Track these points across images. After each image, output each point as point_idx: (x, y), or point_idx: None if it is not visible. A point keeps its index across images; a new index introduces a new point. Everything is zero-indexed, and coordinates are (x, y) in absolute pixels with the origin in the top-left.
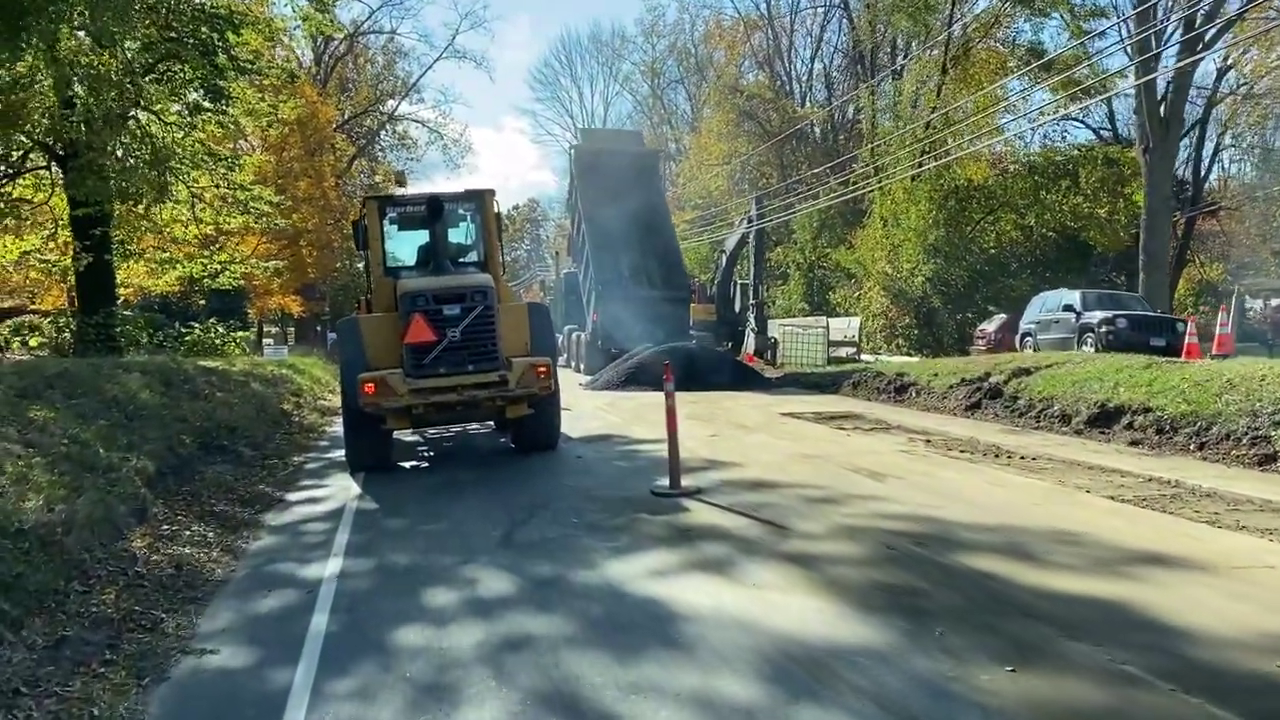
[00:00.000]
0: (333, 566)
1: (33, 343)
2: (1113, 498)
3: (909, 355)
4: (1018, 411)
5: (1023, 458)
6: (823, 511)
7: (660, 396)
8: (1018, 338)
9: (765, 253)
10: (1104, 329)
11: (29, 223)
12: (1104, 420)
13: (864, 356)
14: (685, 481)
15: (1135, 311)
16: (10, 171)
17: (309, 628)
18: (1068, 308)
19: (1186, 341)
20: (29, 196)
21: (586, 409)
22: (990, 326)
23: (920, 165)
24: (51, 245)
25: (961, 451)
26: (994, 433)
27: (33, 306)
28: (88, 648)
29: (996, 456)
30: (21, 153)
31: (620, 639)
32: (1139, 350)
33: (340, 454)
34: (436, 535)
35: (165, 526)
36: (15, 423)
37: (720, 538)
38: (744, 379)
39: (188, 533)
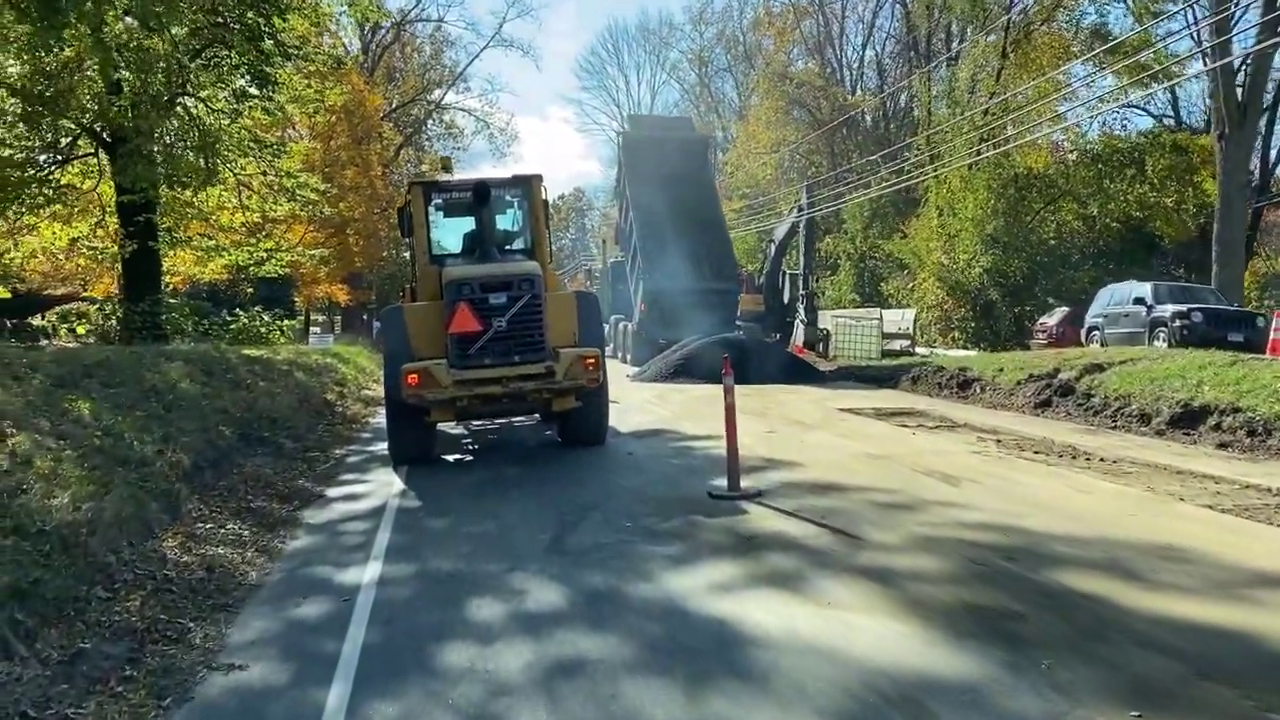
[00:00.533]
0: (372, 571)
1: (80, 330)
2: (1211, 507)
3: (965, 348)
4: (1092, 410)
5: (1103, 460)
6: (896, 519)
7: (712, 390)
8: (1083, 331)
9: (815, 242)
10: (1178, 323)
11: (77, 210)
12: (1188, 420)
13: (918, 349)
14: (744, 483)
15: (1210, 305)
16: (59, 158)
17: (345, 641)
18: (1138, 300)
19: (1271, 337)
20: (77, 183)
21: (635, 402)
22: (1051, 320)
23: (978, 153)
24: (100, 232)
25: (1036, 452)
26: (1068, 432)
27: (85, 294)
28: (106, 662)
29: (1074, 458)
30: (70, 139)
31: (684, 666)
32: (1215, 346)
33: (382, 447)
34: (481, 538)
35: (199, 524)
36: (49, 414)
37: (787, 547)
38: (797, 372)
39: (222, 531)
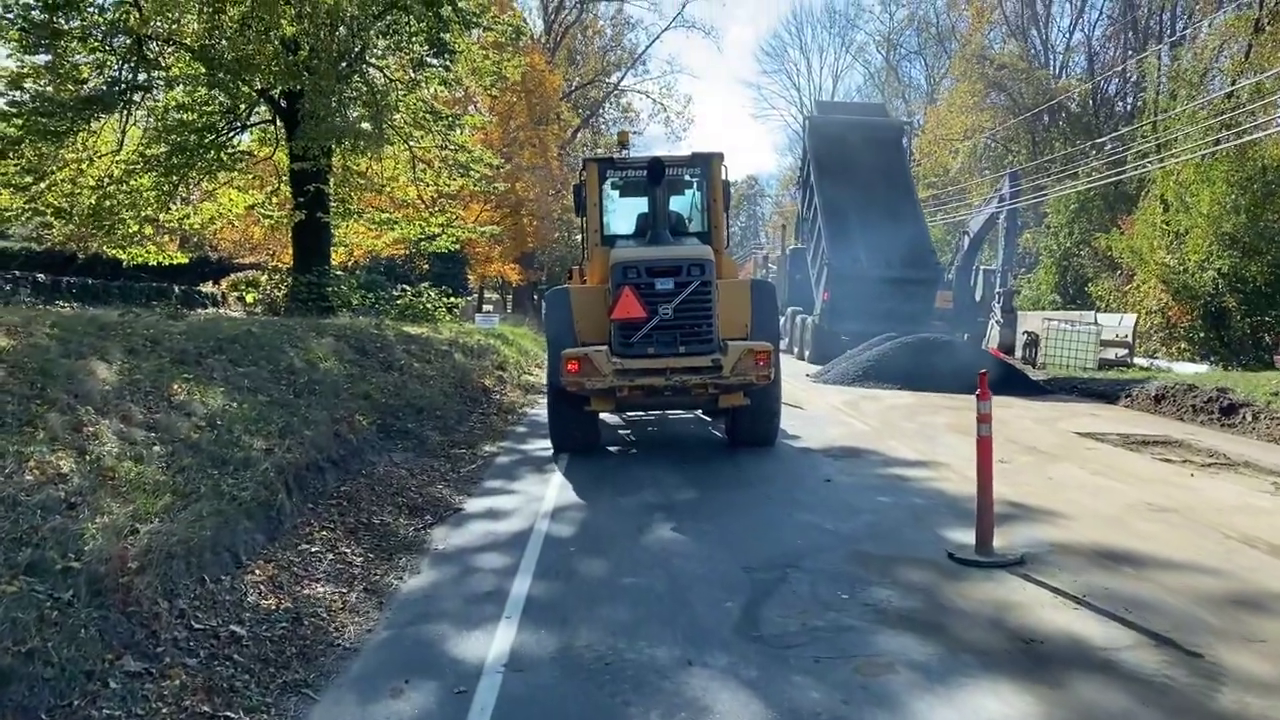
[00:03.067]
0: (501, 641)
1: (249, 298)
2: None
3: (1193, 362)
4: None
5: None
6: (1247, 625)
7: (911, 398)
8: None
9: (1017, 236)
10: None
11: (252, 176)
12: None
13: (1137, 360)
14: (996, 540)
15: None
16: (238, 124)
17: None
18: None
19: None
20: (254, 150)
21: (821, 409)
22: None
23: (1217, 142)
24: (274, 200)
25: None
26: None
27: (273, 263)
28: None
29: None
30: (248, 106)
31: None
32: None
33: (536, 446)
34: (646, 596)
35: (301, 547)
36: (150, 398)
37: (1094, 665)
38: (1007, 382)
39: (329, 557)
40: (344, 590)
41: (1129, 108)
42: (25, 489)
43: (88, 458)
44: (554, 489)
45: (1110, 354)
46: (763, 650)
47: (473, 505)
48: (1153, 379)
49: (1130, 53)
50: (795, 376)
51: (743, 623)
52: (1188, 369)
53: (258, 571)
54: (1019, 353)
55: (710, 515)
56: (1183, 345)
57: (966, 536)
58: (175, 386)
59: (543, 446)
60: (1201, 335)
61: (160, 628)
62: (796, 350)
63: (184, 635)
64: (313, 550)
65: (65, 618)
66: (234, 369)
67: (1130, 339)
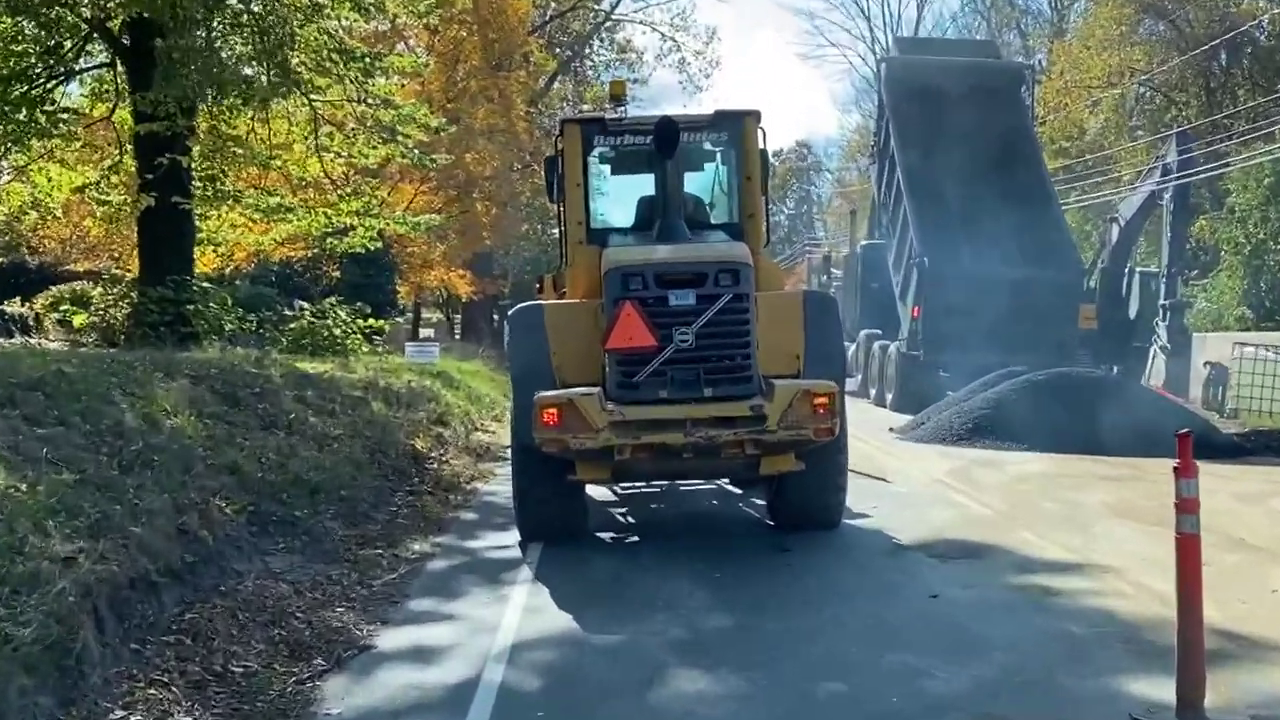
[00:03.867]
0: None
1: (76, 322)
2: None
3: None
4: None
5: None
6: None
7: (1049, 464)
8: None
9: (1188, 225)
10: None
11: (83, 147)
12: None
13: None
14: (1210, 693)
15: None
16: (62, 71)
17: None
18: None
19: None
20: (84, 108)
21: (916, 480)
22: None
23: None
24: (114, 180)
25: None
26: None
27: (114, 270)
28: None
29: None
30: (76, 43)
31: None
32: None
33: (489, 542)
34: None
35: (110, 718)
36: None
37: None
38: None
39: None
40: None
41: None
42: None
43: None
44: (515, 611)
45: None
46: None
47: (389, 640)
48: None
49: None
50: (873, 430)
51: None
52: None
53: None
54: (1197, 392)
55: (756, 655)
56: None
57: (1159, 690)
58: None
59: (500, 542)
60: None
61: None
62: (874, 392)
63: None
64: None
65: None
66: (30, 431)
67: None
